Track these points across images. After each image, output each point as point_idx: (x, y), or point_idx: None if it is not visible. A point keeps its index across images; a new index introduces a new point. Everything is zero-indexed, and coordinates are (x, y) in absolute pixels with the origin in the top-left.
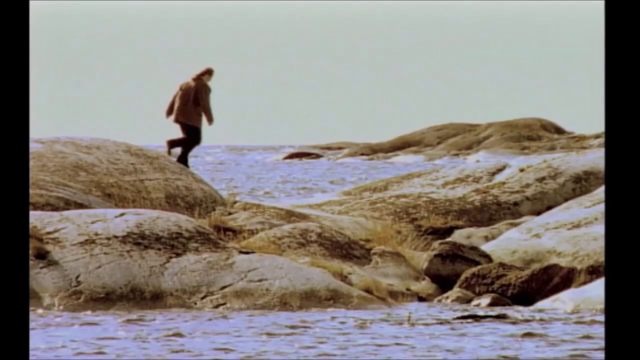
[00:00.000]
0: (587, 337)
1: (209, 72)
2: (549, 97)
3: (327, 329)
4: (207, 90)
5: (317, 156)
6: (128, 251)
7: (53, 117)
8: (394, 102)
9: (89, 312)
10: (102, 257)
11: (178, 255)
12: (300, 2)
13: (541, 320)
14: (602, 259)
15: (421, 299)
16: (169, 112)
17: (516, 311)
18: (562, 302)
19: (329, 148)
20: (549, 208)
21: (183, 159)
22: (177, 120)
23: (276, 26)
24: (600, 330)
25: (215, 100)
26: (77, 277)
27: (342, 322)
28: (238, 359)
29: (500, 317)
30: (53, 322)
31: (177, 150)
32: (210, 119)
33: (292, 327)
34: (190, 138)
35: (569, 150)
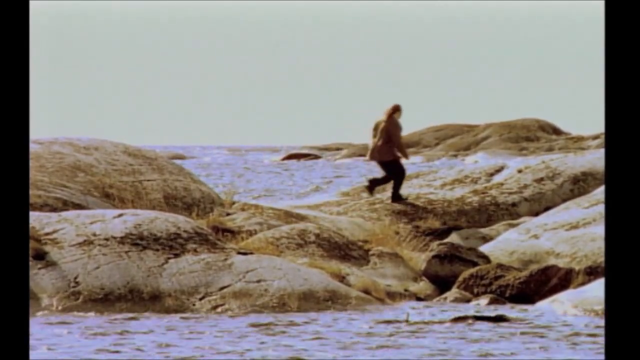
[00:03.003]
0: (586, 337)
1: (397, 109)
2: (547, 98)
3: (325, 329)
4: (397, 128)
5: (316, 157)
6: (126, 252)
7: (51, 118)
8: (392, 103)
9: (87, 313)
10: (100, 257)
11: (176, 255)
12: (300, 3)
13: (539, 321)
14: (600, 259)
15: (419, 299)
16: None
17: (514, 312)
18: (560, 302)
19: (327, 149)
20: (547, 209)
21: (396, 196)
22: (373, 159)
23: (275, 27)
24: (599, 331)
25: (215, 101)
26: (76, 277)
27: (340, 323)
28: (238, 358)
29: (499, 318)
30: (52, 323)
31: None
32: (405, 155)
33: (290, 327)
34: (395, 172)
35: (567, 151)
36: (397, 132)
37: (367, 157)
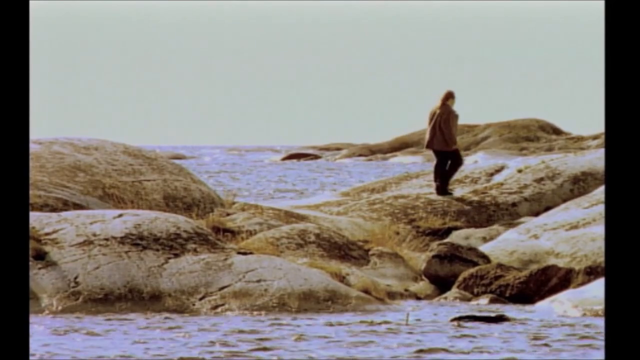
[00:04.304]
0: (586, 337)
1: (451, 96)
2: (547, 98)
3: (325, 329)
4: (453, 116)
5: (316, 157)
6: (126, 252)
7: (51, 118)
8: (393, 102)
9: (87, 313)
10: (100, 257)
11: (176, 256)
12: (300, 3)
13: (539, 321)
14: (600, 259)
15: (419, 299)
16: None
17: (514, 312)
18: (560, 302)
19: (327, 149)
20: (547, 209)
21: (445, 181)
22: (429, 148)
23: (275, 27)
24: (598, 331)
25: (215, 101)
26: (76, 277)
27: (340, 323)
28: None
29: (499, 318)
30: (52, 323)
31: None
32: (452, 143)
33: (290, 327)
34: (453, 160)
35: (567, 151)
36: (450, 119)
37: (425, 146)
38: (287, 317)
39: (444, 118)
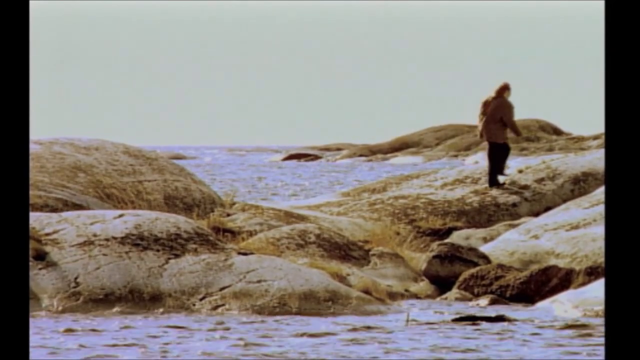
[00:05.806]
0: (586, 337)
1: (507, 88)
2: (547, 98)
3: (325, 329)
4: (510, 107)
5: (316, 157)
6: (127, 252)
7: (51, 118)
8: (393, 103)
9: (87, 313)
10: (100, 258)
11: (177, 256)
12: (300, 3)
13: (540, 321)
14: (600, 260)
15: (420, 300)
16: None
17: (515, 312)
18: (560, 303)
19: (327, 149)
20: (548, 209)
21: (494, 176)
22: (482, 137)
23: (275, 27)
24: (599, 331)
25: (215, 101)
26: (76, 278)
27: (340, 323)
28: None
29: (499, 318)
30: (52, 323)
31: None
32: (518, 133)
33: (290, 327)
34: (499, 153)
35: (567, 151)
36: (509, 111)
37: (479, 135)
38: (287, 318)
39: (498, 109)
